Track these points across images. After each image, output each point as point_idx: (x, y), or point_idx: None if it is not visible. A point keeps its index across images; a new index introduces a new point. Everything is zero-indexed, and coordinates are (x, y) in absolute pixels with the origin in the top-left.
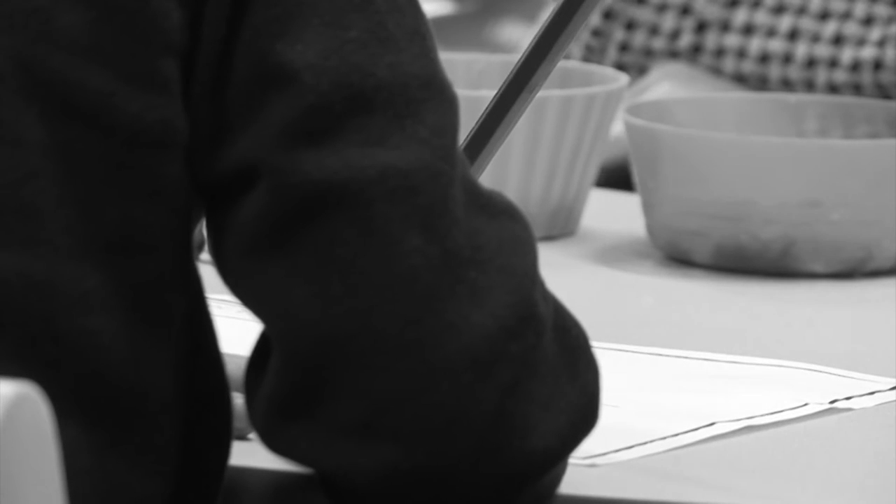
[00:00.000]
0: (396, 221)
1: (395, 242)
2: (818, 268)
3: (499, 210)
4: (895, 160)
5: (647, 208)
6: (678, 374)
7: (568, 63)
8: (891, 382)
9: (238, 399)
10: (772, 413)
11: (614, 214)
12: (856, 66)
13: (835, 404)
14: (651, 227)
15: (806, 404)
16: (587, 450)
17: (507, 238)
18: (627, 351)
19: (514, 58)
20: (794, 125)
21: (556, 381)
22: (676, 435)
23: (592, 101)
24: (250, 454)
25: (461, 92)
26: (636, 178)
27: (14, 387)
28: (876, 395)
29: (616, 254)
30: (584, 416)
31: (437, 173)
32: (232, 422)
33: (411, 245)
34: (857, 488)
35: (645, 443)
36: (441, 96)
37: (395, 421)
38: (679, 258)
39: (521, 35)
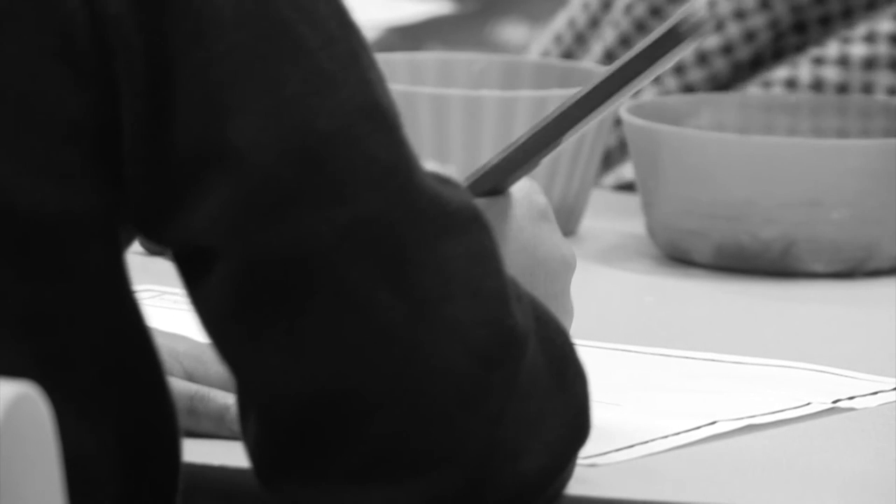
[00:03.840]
0: (361, 282)
1: (364, 304)
2: (818, 267)
3: (463, 220)
4: (895, 160)
5: (648, 208)
6: (679, 373)
7: (568, 63)
8: (893, 382)
9: (230, 399)
10: (774, 412)
11: (615, 214)
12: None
13: (837, 404)
14: (651, 227)
15: (808, 403)
16: (587, 450)
17: (475, 254)
18: (628, 350)
19: (514, 58)
20: (795, 125)
21: (543, 396)
22: (677, 434)
23: None
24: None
25: (461, 92)
26: (636, 177)
27: (14, 387)
28: (879, 394)
29: (616, 253)
30: (574, 427)
31: (393, 222)
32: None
33: (380, 303)
34: (859, 488)
35: (646, 442)
36: (385, 122)
37: (390, 466)
38: (679, 258)
39: (521, 35)
